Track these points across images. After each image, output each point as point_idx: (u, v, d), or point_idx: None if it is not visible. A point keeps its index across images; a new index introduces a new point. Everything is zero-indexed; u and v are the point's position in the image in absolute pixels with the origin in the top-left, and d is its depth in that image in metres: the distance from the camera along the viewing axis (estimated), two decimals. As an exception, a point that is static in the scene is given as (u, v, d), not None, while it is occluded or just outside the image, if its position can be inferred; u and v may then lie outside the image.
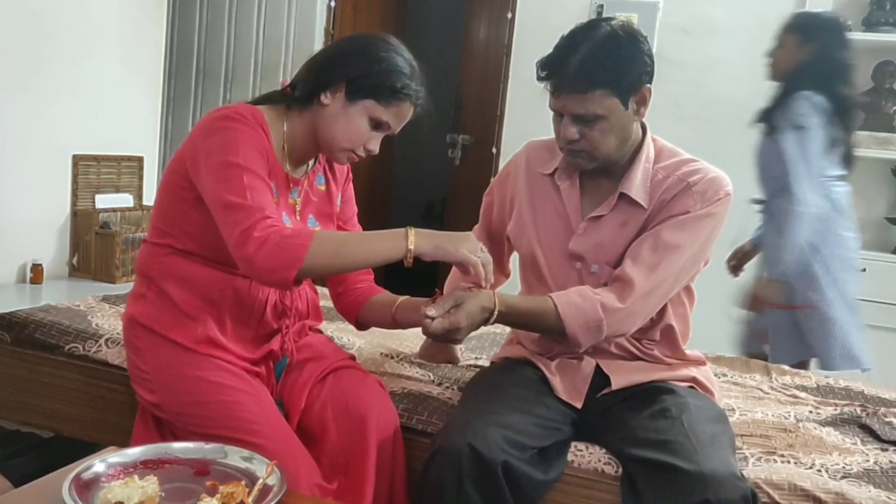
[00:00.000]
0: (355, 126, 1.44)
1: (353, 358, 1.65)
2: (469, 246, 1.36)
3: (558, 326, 1.45)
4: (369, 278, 1.67)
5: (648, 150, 1.56)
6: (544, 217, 1.62)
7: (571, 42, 1.45)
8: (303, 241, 1.29)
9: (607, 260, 1.54)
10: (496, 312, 1.41)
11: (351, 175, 1.68)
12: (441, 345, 1.92)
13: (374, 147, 1.48)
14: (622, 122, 1.48)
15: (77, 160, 2.57)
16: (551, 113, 1.52)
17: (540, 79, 1.48)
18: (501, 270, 1.87)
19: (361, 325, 1.68)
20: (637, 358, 1.58)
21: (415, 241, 1.33)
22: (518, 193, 1.67)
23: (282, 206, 1.47)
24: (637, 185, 1.53)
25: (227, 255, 1.38)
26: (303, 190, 1.54)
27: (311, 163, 1.58)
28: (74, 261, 2.58)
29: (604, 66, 1.42)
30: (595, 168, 1.53)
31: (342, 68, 1.44)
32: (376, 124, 1.46)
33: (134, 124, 2.80)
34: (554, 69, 1.45)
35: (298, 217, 1.52)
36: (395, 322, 1.57)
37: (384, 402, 1.51)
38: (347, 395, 1.48)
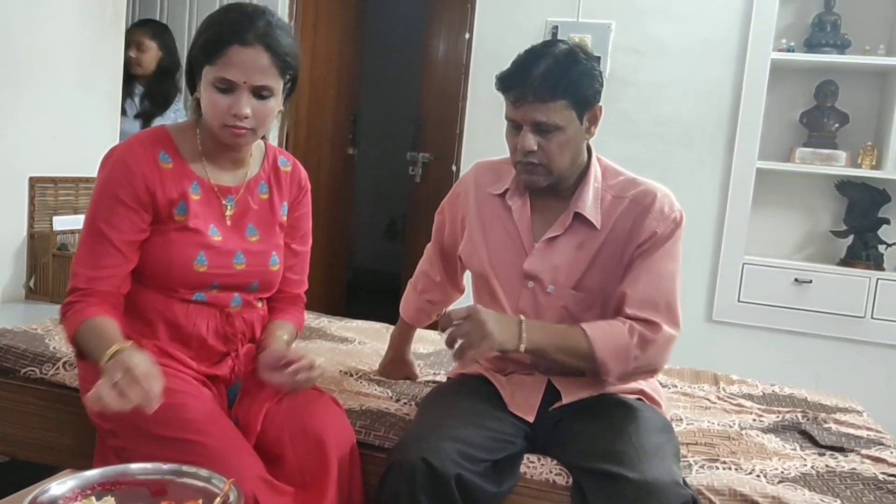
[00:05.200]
0: (209, 100, 1.45)
1: (309, 378, 1.67)
2: None
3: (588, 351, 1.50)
4: (299, 306, 1.69)
5: (596, 170, 1.62)
6: (495, 237, 1.66)
7: (532, 56, 1.52)
8: (74, 323, 1.42)
9: (566, 282, 1.59)
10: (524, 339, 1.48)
11: (308, 186, 1.68)
12: (399, 362, 1.96)
13: (240, 109, 1.42)
14: (576, 138, 1.54)
15: (34, 182, 2.55)
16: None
17: (502, 89, 1.54)
18: (455, 287, 1.92)
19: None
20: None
21: None
22: (469, 213, 1.71)
23: (206, 216, 1.50)
24: (589, 204, 1.58)
25: (162, 280, 1.46)
26: (239, 198, 1.56)
27: (249, 171, 1.59)
28: (31, 283, 2.56)
29: (565, 77, 1.49)
30: (546, 187, 1.59)
31: (191, 61, 1.49)
32: (223, 88, 1.43)
33: (91, 145, 2.77)
34: (517, 80, 1.51)
35: (230, 223, 1.54)
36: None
37: (340, 419, 1.53)
38: (303, 414, 1.50)
